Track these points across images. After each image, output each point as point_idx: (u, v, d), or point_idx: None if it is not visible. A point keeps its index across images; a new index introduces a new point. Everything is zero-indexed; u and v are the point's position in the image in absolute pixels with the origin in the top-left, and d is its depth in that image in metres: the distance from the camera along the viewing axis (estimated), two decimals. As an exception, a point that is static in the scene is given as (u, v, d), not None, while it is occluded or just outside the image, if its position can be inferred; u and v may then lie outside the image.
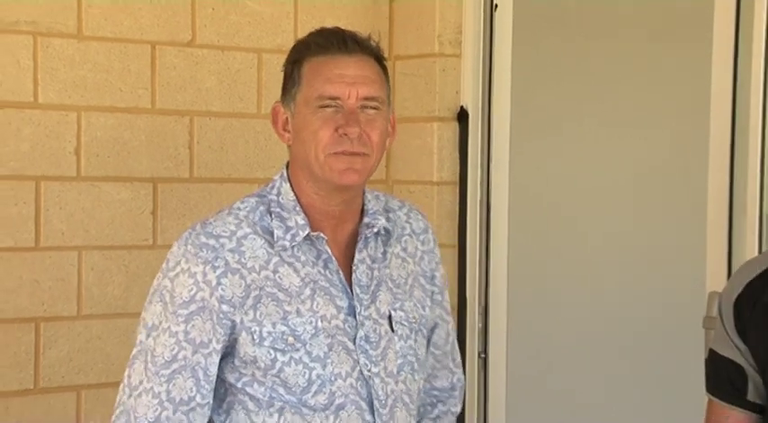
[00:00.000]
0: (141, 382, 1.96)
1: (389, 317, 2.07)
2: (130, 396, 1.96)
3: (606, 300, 5.36)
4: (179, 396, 1.94)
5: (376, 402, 2.04)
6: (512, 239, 3.63)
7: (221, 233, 1.99)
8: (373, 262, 2.08)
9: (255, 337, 1.97)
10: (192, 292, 1.95)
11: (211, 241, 1.97)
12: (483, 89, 3.57)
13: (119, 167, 3.23)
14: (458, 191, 3.57)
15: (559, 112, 5.33)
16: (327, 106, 1.98)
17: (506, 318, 3.60)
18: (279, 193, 2.05)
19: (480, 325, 3.58)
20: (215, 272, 1.95)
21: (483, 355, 3.58)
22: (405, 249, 2.15)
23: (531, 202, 3.92)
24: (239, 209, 2.04)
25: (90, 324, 3.19)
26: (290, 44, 3.37)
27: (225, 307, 1.95)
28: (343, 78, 1.99)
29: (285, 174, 2.07)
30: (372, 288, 2.07)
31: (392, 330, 2.07)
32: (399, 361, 2.07)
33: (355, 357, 2.03)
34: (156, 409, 1.93)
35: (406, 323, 2.10)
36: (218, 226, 2.00)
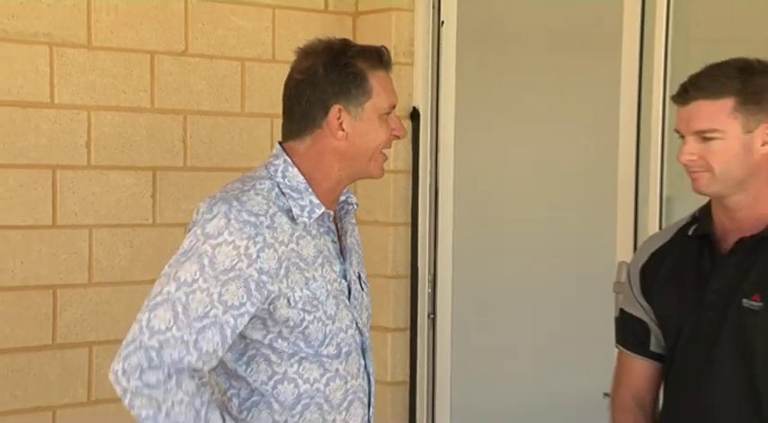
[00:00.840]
0: (169, 329, 1.85)
1: (359, 277, 2.10)
2: (151, 337, 1.84)
3: (534, 270, 5.45)
4: (204, 347, 1.86)
5: (365, 348, 2.08)
6: (456, 218, 3.62)
7: (258, 212, 1.91)
8: (347, 232, 2.11)
9: (291, 301, 1.94)
10: (234, 262, 1.87)
11: (252, 219, 1.90)
12: (432, 92, 3.58)
13: (123, 158, 3.23)
14: (411, 178, 3.58)
15: (495, 111, 5.42)
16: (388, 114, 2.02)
17: (451, 284, 3.61)
18: (285, 176, 1.98)
19: (429, 290, 3.58)
20: (255, 246, 1.89)
21: (432, 316, 3.59)
22: (353, 221, 2.16)
23: (472, 187, 3.95)
24: (261, 189, 1.96)
25: (99, 290, 3.19)
26: (269, 54, 3.46)
27: (264, 277, 1.90)
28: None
29: (289, 160, 1.99)
30: (350, 254, 2.09)
31: (362, 288, 2.10)
32: (366, 314, 2.11)
33: (351, 313, 2.04)
34: (182, 352, 1.85)
35: (366, 282, 2.14)
36: (255, 205, 1.92)
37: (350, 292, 2.05)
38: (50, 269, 3.12)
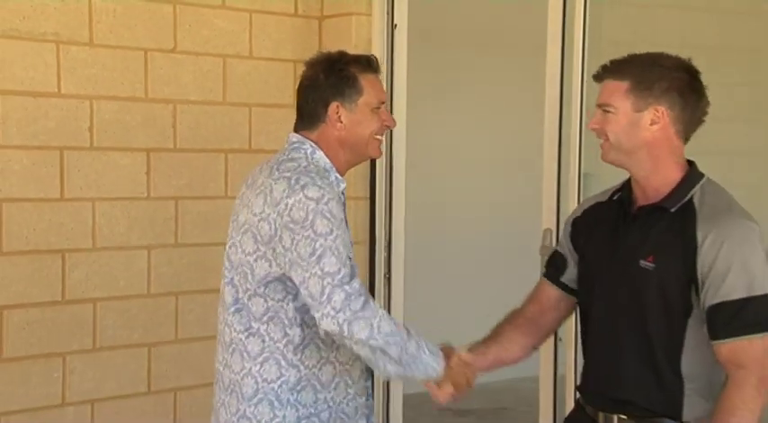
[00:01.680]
0: (341, 267, 1.95)
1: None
2: (335, 278, 1.93)
3: (474, 234, 5.57)
4: (355, 269, 1.98)
5: None
6: (407, 192, 3.62)
7: (323, 183, 2.00)
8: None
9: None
10: (339, 212, 1.99)
11: (326, 184, 2.00)
12: (387, 85, 3.48)
13: (121, 141, 3.23)
14: (369, 160, 3.51)
15: (442, 102, 5.50)
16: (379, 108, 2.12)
17: (404, 248, 3.61)
18: (313, 159, 2.07)
19: (385, 254, 3.59)
20: (338, 202, 2.01)
21: (387, 276, 3.60)
22: None
23: (421, 167, 4.01)
24: (309, 169, 2.03)
25: (102, 254, 3.20)
26: (247, 51, 3.49)
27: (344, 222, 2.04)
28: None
29: (315, 146, 2.08)
30: None
31: None
32: None
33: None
34: (356, 279, 1.96)
35: None
36: (319, 176, 2.01)
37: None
38: (59, 236, 3.13)
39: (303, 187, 1.98)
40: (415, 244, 3.71)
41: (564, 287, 2.18)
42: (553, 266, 2.21)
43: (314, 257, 1.95)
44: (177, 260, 3.34)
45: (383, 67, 3.47)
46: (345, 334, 1.93)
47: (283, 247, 1.98)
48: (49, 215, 3.11)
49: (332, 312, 1.92)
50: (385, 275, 3.61)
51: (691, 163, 2.03)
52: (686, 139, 2.01)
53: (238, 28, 3.45)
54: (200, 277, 3.36)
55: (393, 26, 3.54)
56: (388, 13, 3.53)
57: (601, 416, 2.04)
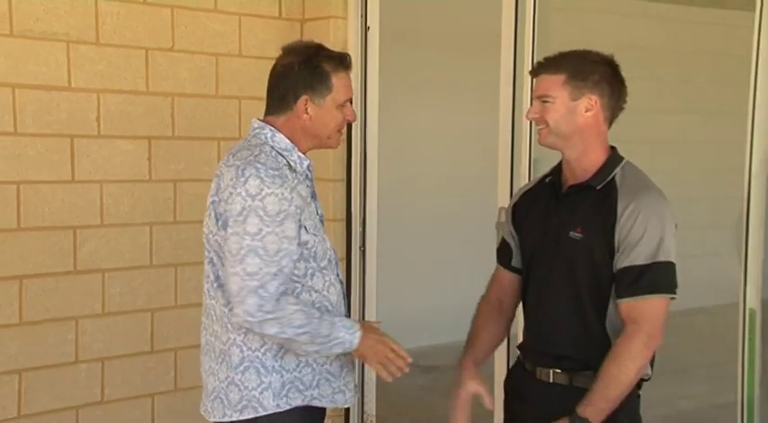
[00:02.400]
0: (261, 269, 1.86)
1: (320, 212, 2.10)
2: (252, 280, 1.86)
3: (439, 214, 5.62)
4: (285, 270, 1.90)
5: (337, 261, 2.09)
6: (380, 174, 3.61)
7: (276, 166, 1.92)
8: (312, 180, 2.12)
9: (308, 228, 1.96)
10: (281, 206, 1.89)
11: (276, 172, 1.91)
12: (360, 82, 3.53)
13: (125, 129, 3.22)
14: (345, 146, 3.57)
15: (411, 97, 5.52)
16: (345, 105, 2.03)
17: (377, 223, 3.60)
18: (274, 140, 1.99)
19: (360, 228, 3.59)
20: (287, 191, 1.91)
21: (362, 248, 3.61)
22: None
23: (392, 153, 3.97)
24: (267, 152, 1.95)
25: (109, 230, 3.21)
26: (237, 50, 3.51)
27: (299, 211, 1.93)
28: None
29: (274, 129, 1.99)
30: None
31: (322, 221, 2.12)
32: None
33: (326, 235, 2.07)
34: (275, 281, 1.88)
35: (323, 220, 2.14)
36: (271, 163, 1.92)
37: (322, 221, 2.08)
38: (71, 214, 3.13)
39: (246, 181, 1.89)
40: (386, 221, 3.73)
41: (516, 270, 2.18)
42: (503, 254, 2.20)
43: (238, 256, 1.88)
44: (176, 235, 3.36)
45: (358, 65, 3.55)
46: (256, 331, 1.91)
47: (224, 235, 1.93)
48: (61, 196, 3.11)
49: (245, 315, 1.88)
50: (360, 248, 3.62)
51: (612, 147, 2.07)
52: (610, 125, 2.05)
53: (229, 29, 3.45)
54: (196, 250, 3.24)
55: (366, 28, 3.54)
56: (361, 16, 3.54)
57: (538, 370, 2.06)
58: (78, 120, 3.13)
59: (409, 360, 2.01)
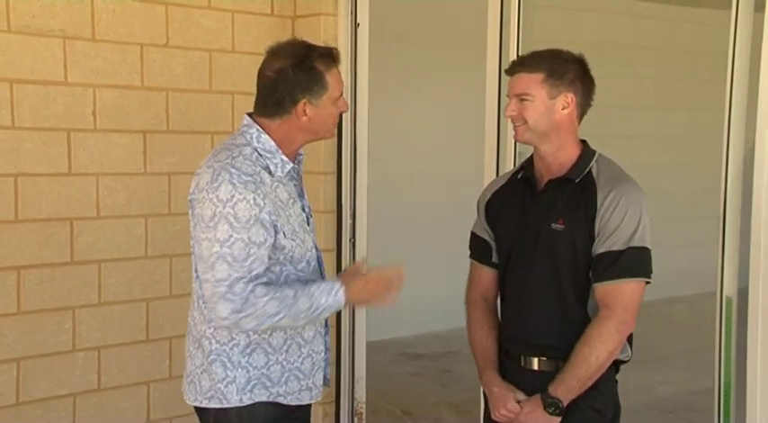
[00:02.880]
0: (230, 276, 1.87)
1: (307, 210, 2.11)
2: (221, 286, 1.87)
3: (426, 204, 5.64)
4: (254, 271, 1.89)
5: (320, 260, 2.10)
6: (370, 167, 3.61)
7: (250, 172, 1.90)
8: (301, 177, 2.12)
9: (286, 233, 1.95)
10: (251, 212, 1.87)
11: (248, 178, 1.89)
12: (350, 78, 3.53)
13: (121, 123, 3.22)
14: (336, 140, 3.57)
15: (399, 93, 5.54)
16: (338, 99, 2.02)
17: (367, 216, 3.61)
18: (259, 141, 1.97)
19: (350, 221, 3.60)
20: (259, 197, 1.89)
21: (352, 240, 3.61)
22: (302, 168, 2.15)
23: (381, 146, 3.98)
24: (246, 154, 1.93)
25: (105, 222, 3.21)
26: (230, 46, 3.52)
27: (272, 217, 1.91)
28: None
29: (261, 129, 1.97)
30: (305, 192, 2.11)
31: (311, 217, 2.11)
32: (314, 235, 2.11)
33: (310, 236, 2.05)
34: (243, 284, 1.88)
35: (311, 213, 2.14)
36: (246, 167, 1.90)
37: (308, 221, 2.07)
38: (68, 206, 3.13)
39: (218, 186, 1.87)
40: (375, 213, 3.75)
41: (495, 265, 2.18)
42: (482, 251, 2.19)
43: (209, 263, 1.88)
44: (170, 227, 3.36)
45: (348, 61, 3.55)
46: (237, 330, 1.93)
47: (197, 236, 1.93)
48: (58, 188, 3.11)
49: (219, 320, 1.90)
50: (350, 240, 3.63)
51: (583, 141, 2.10)
52: (581, 120, 2.08)
53: (222, 25, 3.45)
54: (190, 242, 3.36)
55: (356, 25, 3.54)
56: (351, 13, 3.54)
57: (522, 359, 2.08)
58: (74, 114, 3.13)
59: (403, 273, 2.03)
